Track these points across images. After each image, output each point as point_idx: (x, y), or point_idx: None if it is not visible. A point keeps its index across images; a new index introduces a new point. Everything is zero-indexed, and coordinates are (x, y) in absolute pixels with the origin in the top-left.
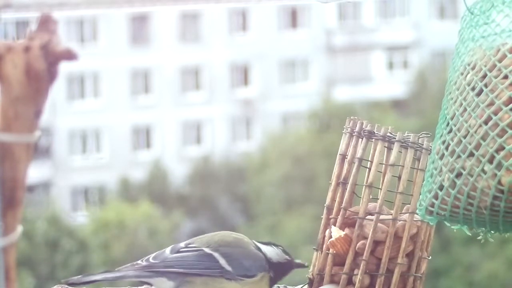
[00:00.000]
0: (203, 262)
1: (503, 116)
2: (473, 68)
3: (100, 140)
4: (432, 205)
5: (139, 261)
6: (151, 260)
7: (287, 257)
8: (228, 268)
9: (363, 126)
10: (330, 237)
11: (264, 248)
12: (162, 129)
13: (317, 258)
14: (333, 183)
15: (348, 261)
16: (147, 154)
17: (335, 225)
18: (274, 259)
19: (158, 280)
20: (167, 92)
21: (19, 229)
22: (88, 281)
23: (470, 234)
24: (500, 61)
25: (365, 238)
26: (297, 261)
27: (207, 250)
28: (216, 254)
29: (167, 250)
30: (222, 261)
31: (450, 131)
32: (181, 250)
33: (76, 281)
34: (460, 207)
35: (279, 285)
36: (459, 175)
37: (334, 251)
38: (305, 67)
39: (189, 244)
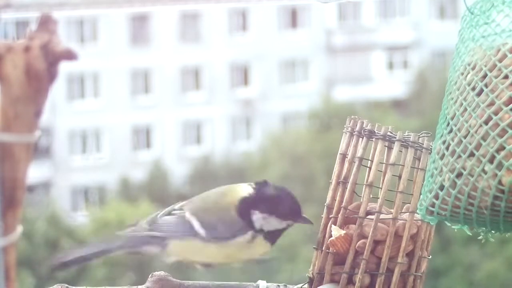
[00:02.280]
0: (180, 226)
1: (504, 116)
2: (473, 68)
3: (100, 140)
4: (433, 205)
5: (132, 227)
6: (143, 225)
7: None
8: (201, 231)
9: (364, 126)
10: (330, 236)
11: (257, 218)
12: (162, 129)
13: (317, 257)
14: (334, 182)
15: (348, 260)
16: (147, 154)
17: (335, 224)
18: (265, 229)
19: (145, 248)
20: (167, 92)
21: (19, 229)
22: (76, 259)
23: (471, 234)
24: (500, 61)
25: (365, 237)
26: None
27: (187, 214)
28: (193, 219)
29: (160, 213)
30: (197, 225)
31: (451, 131)
32: (172, 213)
33: (69, 261)
34: (461, 207)
35: (279, 284)
36: (459, 175)
37: (334, 250)
38: (305, 67)
39: (182, 206)
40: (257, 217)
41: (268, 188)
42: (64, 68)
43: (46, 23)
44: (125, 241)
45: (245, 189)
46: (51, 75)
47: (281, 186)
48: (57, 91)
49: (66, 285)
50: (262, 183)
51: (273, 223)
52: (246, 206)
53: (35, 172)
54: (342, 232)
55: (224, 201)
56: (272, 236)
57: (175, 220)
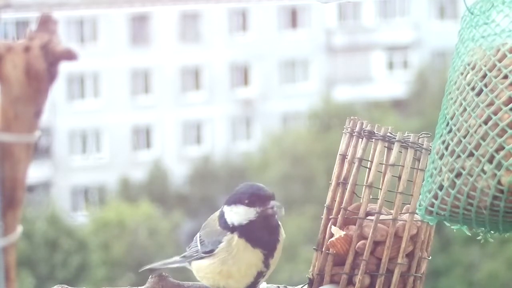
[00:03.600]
0: (192, 246)
1: (503, 116)
2: (473, 68)
3: (100, 140)
4: (432, 205)
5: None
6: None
7: (255, 210)
8: (200, 247)
9: (363, 126)
10: (330, 237)
11: (227, 214)
12: (162, 129)
13: (317, 258)
14: (333, 183)
15: (348, 261)
16: (147, 154)
17: (335, 225)
18: (236, 222)
19: (186, 265)
20: (167, 92)
21: (19, 229)
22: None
23: (470, 234)
24: (500, 61)
25: (365, 238)
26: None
27: (197, 234)
28: (197, 237)
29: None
30: (198, 243)
31: (450, 131)
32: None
33: (154, 268)
34: (460, 207)
35: (279, 285)
36: (458, 175)
37: (334, 251)
38: (305, 67)
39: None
40: (227, 212)
41: (236, 187)
42: (64, 68)
43: (46, 23)
44: (178, 261)
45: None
46: (51, 75)
47: (253, 183)
48: (57, 91)
49: (66, 285)
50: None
51: (242, 212)
52: (221, 212)
53: (35, 172)
54: (342, 233)
55: (212, 218)
56: (249, 234)
57: (194, 241)
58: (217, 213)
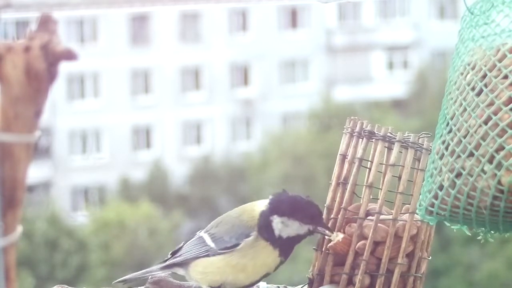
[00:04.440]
0: (196, 246)
1: (503, 116)
2: (473, 68)
3: (100, 140)
4: (432, 205)
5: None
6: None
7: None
8: (212, 245)
9: (363, 126)
10: (330, 240)
11: (276, 225)
12: (162, 129)
13: (317, 258)
14: (333, 183)
15: (348, 261)
16: (147, 154)
17: (335, 226)
18: (285, 235)
19: (176, 269)
20: (167, 92)
21: (19, 229)
22: (123, 280)
23: (470, 234)
24: (500, 61)
25: (365, 238)
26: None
27: (200, 233)
28: (205, 235)
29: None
30: (208, 241)
31: (450, 131)
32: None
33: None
34: (460, 207)
35: (279, 285)
36: (459, 175)
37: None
38: (305, 67)
39: (207, 228)
40: (276, 221)
41: (287, 194)
42: (64, 68)
43: (46, 23)
44: (164, 266)
45: (262, 203)
46: (51, 75)
47: (301, 194)
48: (57, 91)
49: (66, 285)
50: (280, 192)
51: (293, 227)
52: (265, 217)
53: (35, 172)
54: (340, 236)
55: (230, 216)
56: (284, 245)
57: (191, 242)
58: (238, 211)
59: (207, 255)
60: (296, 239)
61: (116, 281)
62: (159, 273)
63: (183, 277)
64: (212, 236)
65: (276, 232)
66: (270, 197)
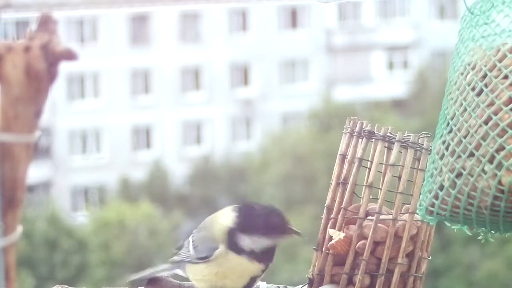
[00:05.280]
0: (184, 249)
1: (503, 116)
2: (473, 68)
3: (100, 140)
4: (433, 205)
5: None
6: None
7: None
8: (192, 252)
9: (363, 126)
10: (329, 239)
11: (243, 241)
12: (162, 129)
13: (317, 258)
14: (333, 183)
15: (348, 261)
16: (147, 154)
17: (335, 225)
18: (250, 249)
19: (176, 271)
20: (167, 92)
21: (19, 229)
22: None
23: (470, 234)
24: (500, 61)
25: (365, 238)
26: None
27: (189, 237)
28: (190, 240)
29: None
30: (190, 247)
31: (450, 131)
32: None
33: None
34: (461, 207)
35: (279, 285)
36: (459, 175)
37: (335, 252)
38: (305, 67)
39: (194, 231)
40: (243, 239)
41: (250, 208)
42: (64, 68)
43: (46, 23)
44: (166, 267)
45: (228, 217)
46: (51, 75)
47: (264, 204)
48: (57, 91)
49: (66, 285)
50: (242, 205)
51: (262, 242)
52: (232, 235)
53: (35, 172)
54: (342, 235)
55: (209, 222)
56: (260, 255)
57: (186, 242)
58: (215, 217)
59: (190, 261)
60: (270, 249)
61: (131, 279)
62: (166, 271)
63: (183, 277)
64: (193, 242)
65: (247, 249)
66: (234, 212)
